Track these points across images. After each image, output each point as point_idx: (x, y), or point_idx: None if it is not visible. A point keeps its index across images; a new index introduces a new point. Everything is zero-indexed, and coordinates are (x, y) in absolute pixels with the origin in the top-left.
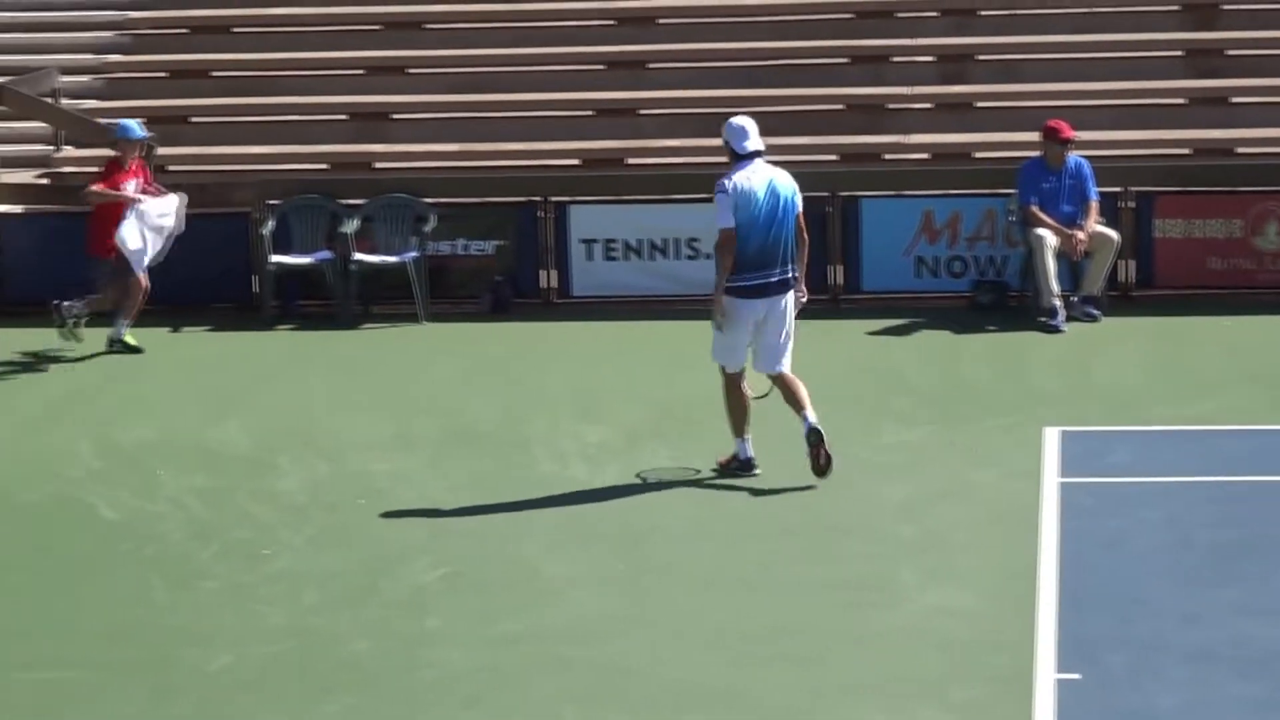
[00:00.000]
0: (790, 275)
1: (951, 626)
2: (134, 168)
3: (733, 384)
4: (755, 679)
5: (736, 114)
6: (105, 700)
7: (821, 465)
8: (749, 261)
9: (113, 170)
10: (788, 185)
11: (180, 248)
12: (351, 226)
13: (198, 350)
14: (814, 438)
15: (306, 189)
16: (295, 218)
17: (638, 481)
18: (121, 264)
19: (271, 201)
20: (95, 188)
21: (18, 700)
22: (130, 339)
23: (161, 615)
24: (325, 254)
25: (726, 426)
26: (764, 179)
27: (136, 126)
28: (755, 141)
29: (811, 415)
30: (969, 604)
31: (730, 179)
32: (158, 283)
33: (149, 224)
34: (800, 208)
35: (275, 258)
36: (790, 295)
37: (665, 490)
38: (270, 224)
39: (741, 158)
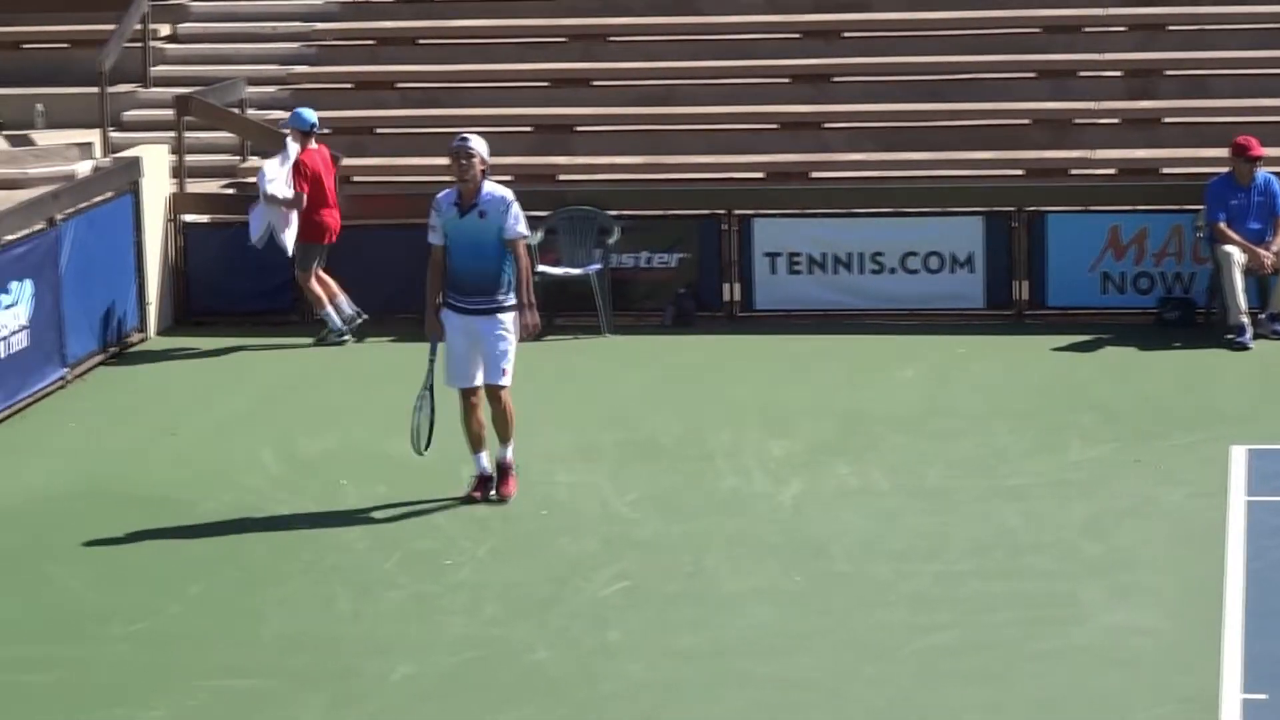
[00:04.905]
0: None
1: (1136, 645)
2: (310, 158)
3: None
4: (937, 695)
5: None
6: (286, 709)
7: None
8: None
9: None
10: None
11: (366, 258)
12: (535, 238)
13: (381, 360)
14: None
15: None
16: None
17: (820, 495)
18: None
19: None
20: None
21: (199, 708)
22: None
23: (343, 624)
24: None
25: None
26: None
27: (306, 114)
28: None
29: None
30: (1154, 623)
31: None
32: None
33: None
34: None
35: None
36: None
37: (847, 505)
38: None
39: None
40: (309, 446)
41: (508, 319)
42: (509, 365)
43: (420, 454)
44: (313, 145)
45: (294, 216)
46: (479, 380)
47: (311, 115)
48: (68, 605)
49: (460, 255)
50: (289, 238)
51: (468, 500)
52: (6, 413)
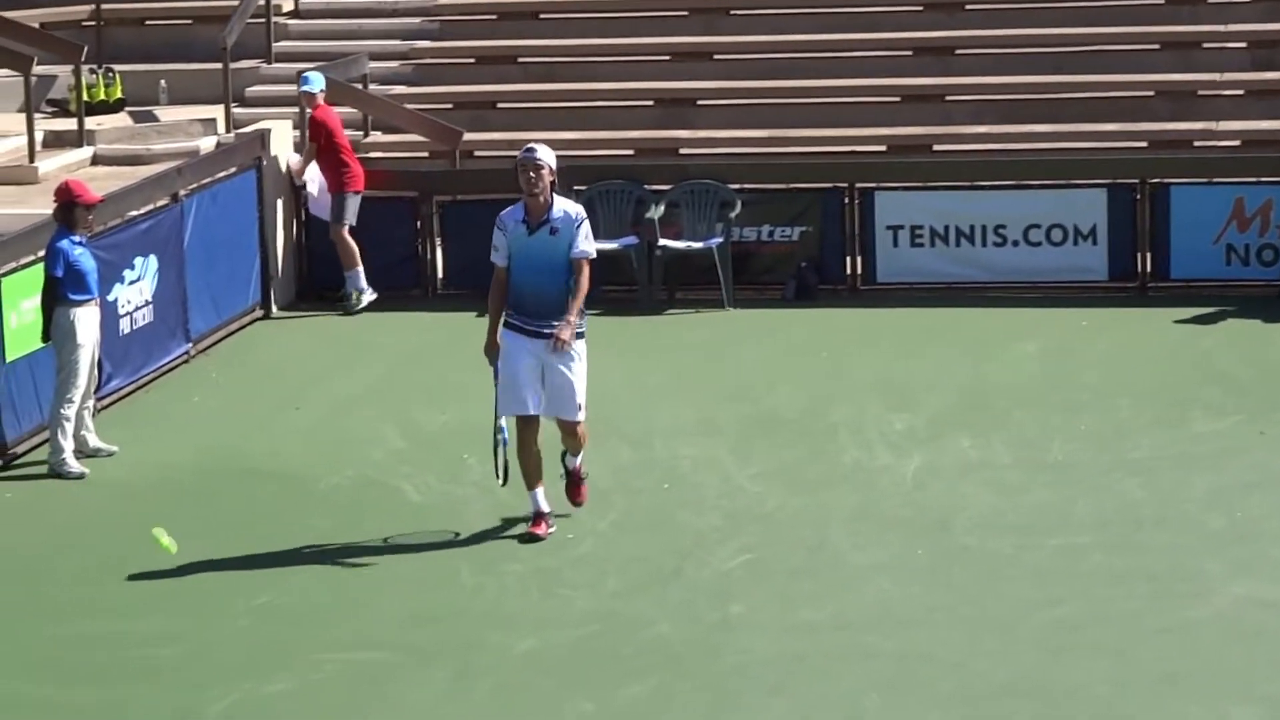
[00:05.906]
0: None
1: (1261, 618)
2: (323, 114)
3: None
4: (1061, 669)
5: None
6: (409, 682)
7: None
8: None
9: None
10: None
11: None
12: (657, 212)
13: None
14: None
15: (612, 174)
16: (600, 203)
17: (943, 469)
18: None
19: (577, 187)
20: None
21: (323, 681)
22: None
23: (467, 599)
24: (630, 239)
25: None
26: None
27: (313, 78)
28: None
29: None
30: (1278, 596)
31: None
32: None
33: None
34: None
35: None
36: None
37: (969, 478)
38: None
39: None
40: (431, 421)
41: (579, 345)
42: (583, 398)
43: (502, 484)
44: (321, 103)
45: (312, 174)
46: (538, 409)
47: (320, 79)
48: (192, 580)
49: (527, 275)
50: (322, 201)
51: (529, 539)
52: (131, 388)
